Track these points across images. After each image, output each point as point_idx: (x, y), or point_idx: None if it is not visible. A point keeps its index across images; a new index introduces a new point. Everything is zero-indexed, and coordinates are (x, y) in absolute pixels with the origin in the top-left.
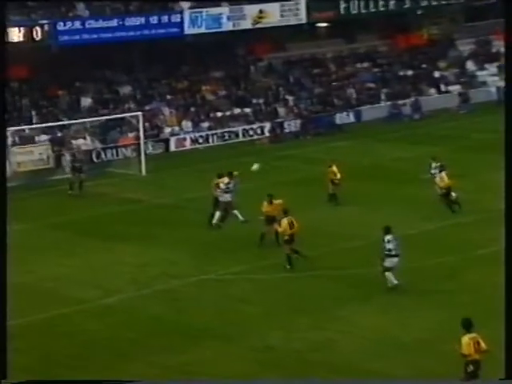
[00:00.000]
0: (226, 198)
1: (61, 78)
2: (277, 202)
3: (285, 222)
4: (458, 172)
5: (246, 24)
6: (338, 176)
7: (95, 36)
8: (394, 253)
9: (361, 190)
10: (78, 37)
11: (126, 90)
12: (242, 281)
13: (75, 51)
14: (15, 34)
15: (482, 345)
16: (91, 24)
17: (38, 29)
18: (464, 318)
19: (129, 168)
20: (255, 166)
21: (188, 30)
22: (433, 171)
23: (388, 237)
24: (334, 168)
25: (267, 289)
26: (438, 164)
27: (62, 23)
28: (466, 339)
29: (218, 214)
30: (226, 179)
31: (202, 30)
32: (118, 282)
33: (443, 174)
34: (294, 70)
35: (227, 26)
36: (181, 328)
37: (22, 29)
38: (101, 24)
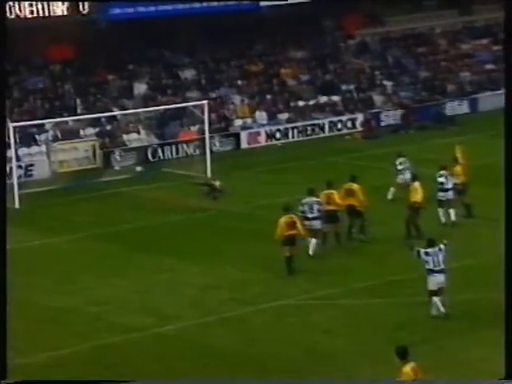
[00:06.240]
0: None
1: (110, 60)
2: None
3: (282, 220)
4: None
5: None
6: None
7: (152, 9)
8: (437, 269)
9: (478, 197)
10: (131, 9)
11: (188, 73)
12: (327, 307)
13: (128, 27)
14: (58, 7)
15: (418, 375)
16: None
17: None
18: (399, 346)
19: (191, 168)
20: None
21: (264, 0)
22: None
23: (429, 250)
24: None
25: (357, 317)
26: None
27: None
28: (407, 369)
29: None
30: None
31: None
32: (177, 307)
33: (417, 184)
34: (393, 49)
35: None
36: (252, 363)
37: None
38: None
